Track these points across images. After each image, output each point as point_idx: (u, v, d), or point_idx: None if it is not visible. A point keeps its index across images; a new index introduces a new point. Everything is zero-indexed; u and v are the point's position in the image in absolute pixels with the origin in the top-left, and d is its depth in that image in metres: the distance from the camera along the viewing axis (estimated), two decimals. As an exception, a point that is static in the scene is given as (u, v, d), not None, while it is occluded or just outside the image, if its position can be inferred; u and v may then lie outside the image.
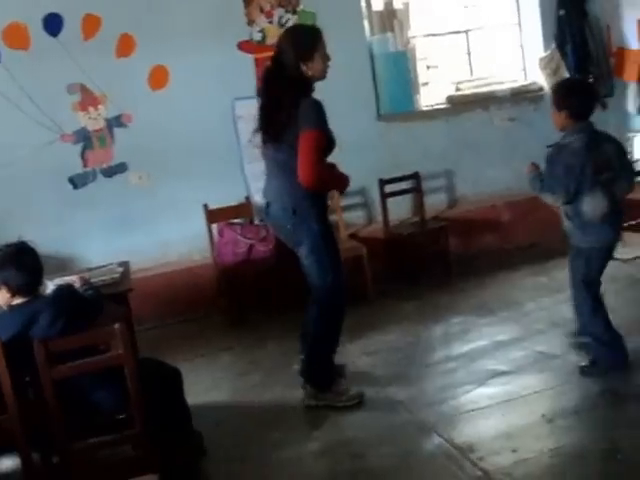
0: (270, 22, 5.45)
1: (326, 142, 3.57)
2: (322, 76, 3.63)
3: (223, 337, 4.92)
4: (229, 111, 5.37)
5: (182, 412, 3.25)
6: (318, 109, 3.52)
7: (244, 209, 5.37)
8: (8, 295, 2.94)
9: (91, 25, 5.10)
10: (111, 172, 5.29)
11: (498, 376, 3.79)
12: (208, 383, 4.20)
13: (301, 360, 3.83)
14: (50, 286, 3.32)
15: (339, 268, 3.71)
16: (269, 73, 3.66)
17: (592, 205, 3.52)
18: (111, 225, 5.27)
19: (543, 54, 6.15)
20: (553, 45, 6.11)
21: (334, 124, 5.37)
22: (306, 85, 3.57)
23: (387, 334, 4.61)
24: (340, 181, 3.75)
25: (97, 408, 2.98)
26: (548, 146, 3.68)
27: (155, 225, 5.34)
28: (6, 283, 2.92)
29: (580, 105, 3.57)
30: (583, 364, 3.71)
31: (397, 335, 4.58)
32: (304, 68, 3.54)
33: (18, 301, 2.94)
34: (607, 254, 3.66)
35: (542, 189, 3.59)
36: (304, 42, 3.57)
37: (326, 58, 3.61)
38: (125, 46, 5.18)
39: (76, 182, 5.24)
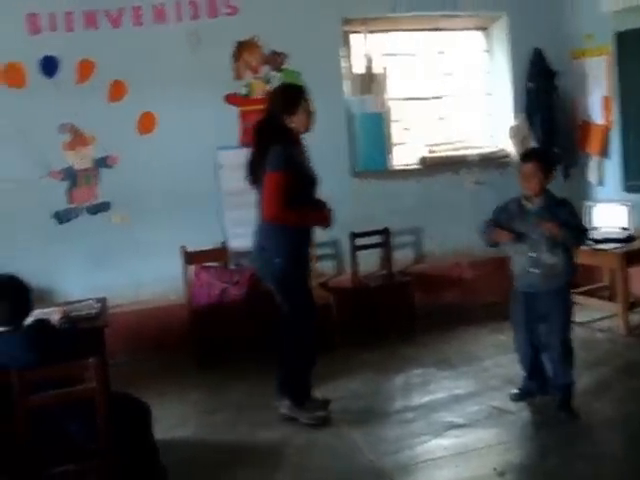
0: (256, 78, 5.65)
1: (304, 181, 3.89)
2: (306, 129, 3.96)
3: (192, 376, 4.98)
4: (212, 159, 5.50)
5: (149, 446, 3.30)
6: (280, 153, 3.81)
7: (220, 253, 5.49)
8: None
9: (86, 69, 5.28)
10: (95, 210, 5.42)
11: (454, 428, 3.89)
12: (176, 419, 4.26)
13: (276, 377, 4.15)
14: (29, 318, 3.36)
15: (305, 299, 4.01)
16: (260, 124, 4.02)
17: None
18: (91, 261, 5.37)
19: (513, 123, 6.38)
20: (522, 115, 6.34)
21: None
22: (287, 135, 3.89)
23: (350, 382, 4.70)
24: (313, 217, 3.98)
25: (71, 439, 3.02)
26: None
27: (133, 264, 5.44)
28: None
29: None
30: None
31: (360, 383, 4.67)
32: (288, 120, 3.88)
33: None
34: None
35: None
36: (290, 97, 3.94)
37: (310, 112, 3.95)
38: (117, 91, 5.35)
39: (61, 217, 5.36)
